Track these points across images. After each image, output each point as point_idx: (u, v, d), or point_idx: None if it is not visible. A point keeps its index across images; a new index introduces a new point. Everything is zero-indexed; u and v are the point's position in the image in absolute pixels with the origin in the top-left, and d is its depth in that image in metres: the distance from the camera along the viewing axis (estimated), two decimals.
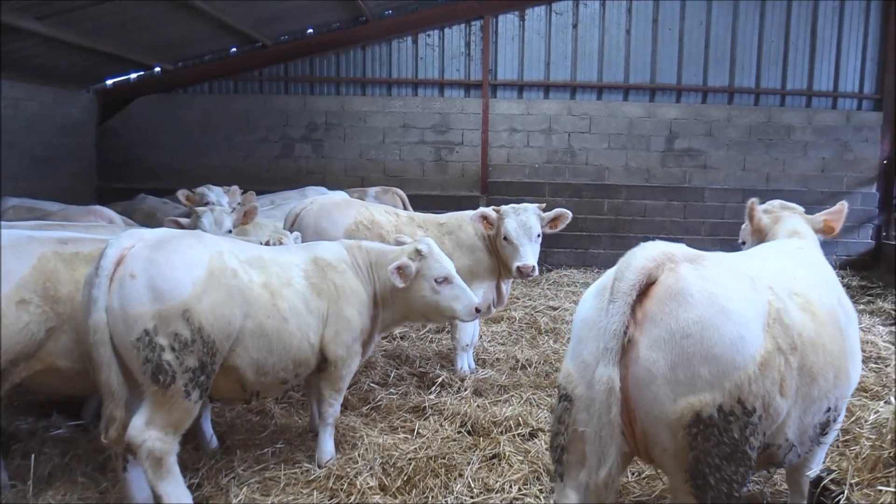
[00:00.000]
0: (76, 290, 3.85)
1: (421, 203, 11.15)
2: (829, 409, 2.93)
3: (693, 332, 2.49)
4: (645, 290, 2.62)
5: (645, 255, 2.67)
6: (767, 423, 2.60)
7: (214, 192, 7.56)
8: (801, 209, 4.04)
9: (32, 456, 4.13)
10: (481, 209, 6.16)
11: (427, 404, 5.42)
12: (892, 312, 8.77)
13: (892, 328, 8.01)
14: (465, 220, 6.39)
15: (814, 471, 3.39)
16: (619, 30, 12.23)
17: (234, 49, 12.18)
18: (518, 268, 5.87)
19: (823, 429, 3.00)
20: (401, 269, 4.40)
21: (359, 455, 4.47)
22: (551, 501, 3.85)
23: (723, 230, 12.42)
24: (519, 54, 12.29)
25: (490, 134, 12.31)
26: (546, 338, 7.55)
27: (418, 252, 4.54)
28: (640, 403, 2.55)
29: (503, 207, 6.11)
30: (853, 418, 4.74)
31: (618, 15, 12.20)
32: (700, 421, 2.45)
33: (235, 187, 8.26)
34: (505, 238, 5.98)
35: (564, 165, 12.35)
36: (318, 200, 6.65)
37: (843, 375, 2.95)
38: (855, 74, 12.38)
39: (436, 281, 4.54)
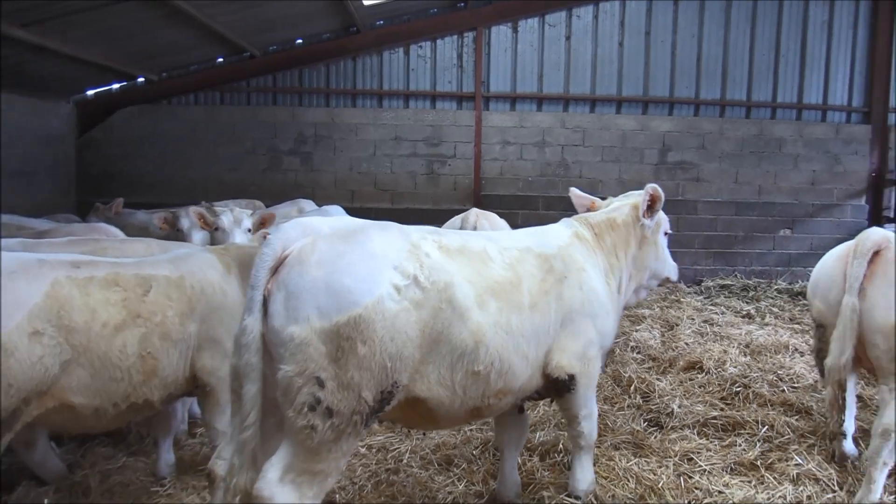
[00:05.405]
0: (91, 318, 3.52)
1: (413, 217, 10.90)
2: None
3: None
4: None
5: (877, 233, 4.12)
6: None
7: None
8: None
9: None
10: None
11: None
12: None
13: None
14: None
15: None
16: (611, 42, 12.18)
17: (220, 59, 11.85)
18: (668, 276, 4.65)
19: None
20: None
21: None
22: None
23: (715, 243, 12.39)
24: (512, 66, 12.16)
25: (483, 146, 12.14)
26: None
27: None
28: (863, 321, 3.99)
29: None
30: None
31: (611, 27, 12.15)
32: None
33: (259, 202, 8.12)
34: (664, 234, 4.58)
35: (558, 178, 12.22)
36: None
37: None
38: (844, 88, 12.50)
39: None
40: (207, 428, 4.33)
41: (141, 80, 11.74)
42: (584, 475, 4.00)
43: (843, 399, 4.22)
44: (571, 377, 3.68)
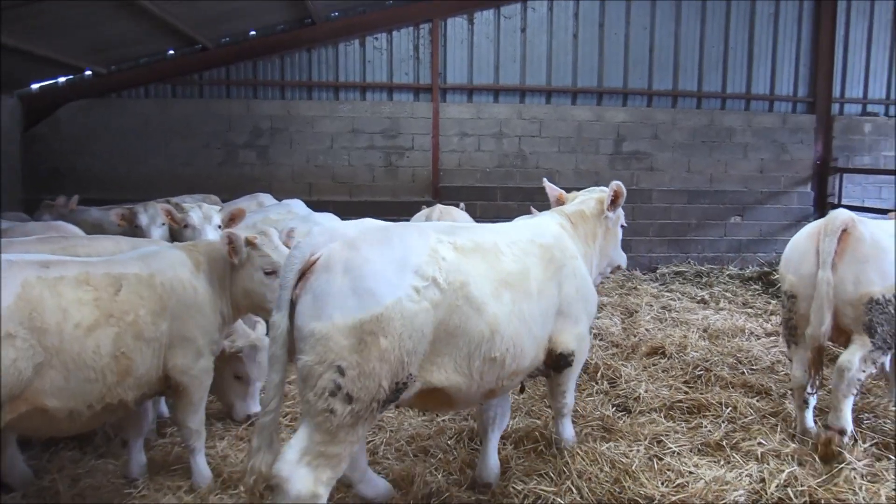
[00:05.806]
0: (63, 319, 3.46)
1: (372, 210, 10.91)
2: None
3: (870, 258, 4.38)
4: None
5: (843, 214, 4.51)
6: None
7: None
8: None
9: None
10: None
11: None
12: None
13: None
14: None
15: None
16: (566, 34, 12.31)
17: (171, 51, 11.58)
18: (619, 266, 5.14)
19: None
20: None
21: None
22: None
23: (669, 230, 12.67)
24: (468, 58, 12.18)
25: (440, 138, 12.15)
26: None
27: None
28: (834, 293, 4.39)
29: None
30: None
31: (565, 19, 12.27)
32: (873, 300, 4.35)
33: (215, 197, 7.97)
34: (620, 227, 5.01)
35: (515, 169, 12.32)
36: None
37: None
38: (789, 79, 12.90)
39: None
40: (180, 427, 4.27)
41: (89, 73, 11.40)
42: (570, 431, 4.59)
43: (821, 361, 4.54)
44: (570, 354, 4.11)
